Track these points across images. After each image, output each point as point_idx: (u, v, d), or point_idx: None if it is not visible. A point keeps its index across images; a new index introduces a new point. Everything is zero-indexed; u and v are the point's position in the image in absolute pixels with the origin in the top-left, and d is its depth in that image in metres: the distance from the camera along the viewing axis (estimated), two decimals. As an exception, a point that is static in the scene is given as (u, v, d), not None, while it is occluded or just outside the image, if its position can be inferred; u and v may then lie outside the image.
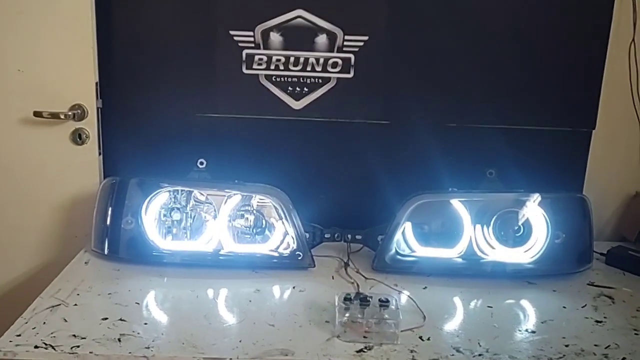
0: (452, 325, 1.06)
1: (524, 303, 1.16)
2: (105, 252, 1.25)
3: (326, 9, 1.34)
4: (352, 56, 1.37)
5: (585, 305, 1.14)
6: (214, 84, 1.39)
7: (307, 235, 1.27)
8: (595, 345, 0.99)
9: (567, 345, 0.98)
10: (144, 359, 0.91)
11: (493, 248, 1.25)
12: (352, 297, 1.04)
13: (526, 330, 1.05)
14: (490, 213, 1.25)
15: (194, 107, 1.40)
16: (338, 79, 1.39)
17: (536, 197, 1.24)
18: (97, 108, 1.37)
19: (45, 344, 0.93)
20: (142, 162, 1.40)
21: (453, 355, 0.95)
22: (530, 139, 1.42)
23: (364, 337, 0.97)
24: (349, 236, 1.29)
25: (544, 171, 1.39)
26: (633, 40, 1.37)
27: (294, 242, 1.24)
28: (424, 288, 1.19)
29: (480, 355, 0.95)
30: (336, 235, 1.30)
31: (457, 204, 1.25)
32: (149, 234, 1.24)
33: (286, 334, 0.99)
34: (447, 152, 1.40)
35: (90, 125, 1.36)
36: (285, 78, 1.39)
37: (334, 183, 1.45)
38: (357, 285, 1.18)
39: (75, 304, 1.07)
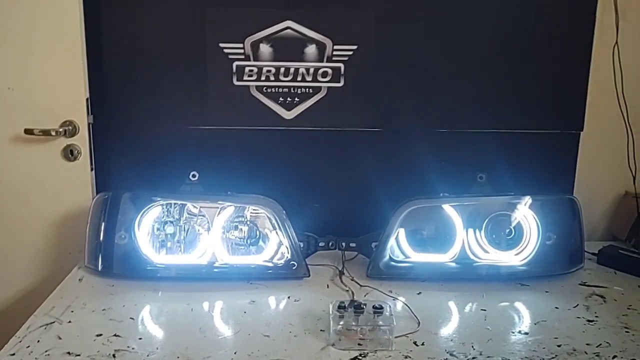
0: (446, 329, 1.09)
1: (517, 305, 1.19)
2: (99, 268, 1.27)
3: (315, 20, 1.38)
4: (341, 65, 1.41)
5: (577, 305, 1.17)
6: (205, 96, 1.42)
7: (302, 244, 1.29)
8: (587, 344, 1.02)
9: (559, 346, 1.01)
10: (140, 374, 0.93)
11: (486, 251, 1.28)
12: (346, 305, 1.06)
13: (519, 332, 1.07)
14: (482, 217, 1.29)
15: (186, 120, 1.43)
16: (328, 88, 1.42)
17: (527, 200, 1.28)
18: (88, 124, 1.39)
19: (41, 363, 0.94)
20: (134, 176, 1.42)
21: (447, 359, 0.97)
22: (520, 142, 1.46)
23: (359, 344, 1.00)
24: (343, 244, 1.32)
25: (534, 174, 1.43)
26: (616, 42, 1.42)
27: (288, 252, 1.27)
28: (418, 293, 1.22)
29: (474, 358, 0.97)
30: (330, 244, 1.32)
31: (449, 208, 1.28)
32: (142, 248, 1.26)
33: (281, 344, 1.01)
34: (438, 157, 1.44)
35: (82, 141, 1.39)
36: (276, 89, 1.42)
37: (328, 191, 1.48)
38: (352, 293, 1.20)
39: (70, 321, 1.08)
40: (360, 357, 0.97)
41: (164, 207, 1.29)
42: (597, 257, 1.37)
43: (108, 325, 1.07)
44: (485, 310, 1.15)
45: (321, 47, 1.39)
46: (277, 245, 1.28)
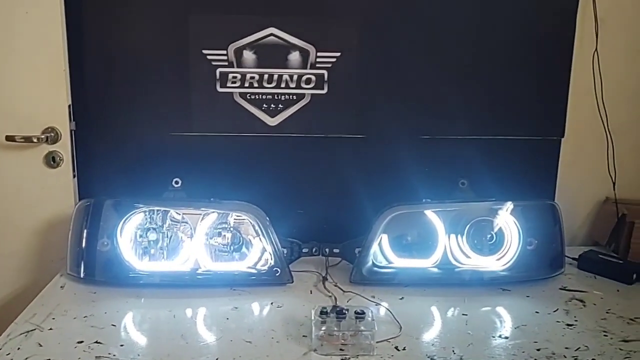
0: (428, 334, 1.11)
1: (498, 310, 1.22)
2: (82, 275, 1.28)
3: (298, 27, 1.40)
4: (325, 72, 1.43)
5: (557, 309, 1.20)
6: (189, 103, 1.44)
7: (285, 250, 1.31)
8: (566, 348, 1.05)
9: (538, 350, 1.04)
10: (120, 380, 0.94)
11: (467, 257, 1.31)
12: (328, 311, 1.08)
13: (499, 336, 1.10)
14: (464, 222, 1.32)
15: (169, 127, 1.45)
16: (312, 95, 1.45)
17: (508, 206, 1.31)
18: (71, 130, 1.40)
19: (20, 370, 0.95)
20: (117, 183, 1.43)
21: (427, 363, 1.00)
22: (502, 148, 1.49)
23: (341, 349, 1.02)
24: (327, 250, 1.35)
25: (516, 180, 1.46)
26: (596, 49, 1.46)
27: (271, 258, 1.29)
28: (400, 299, 1.24)
29: (453, 362, 1.00)
30: (314, 250, 1.34)
31: (431, 214, 1.31)
32: (125, 255, 1.28)
33: (263, 350, 1.03)
34: (421, 163, 1.47)
35: (64, 147, 1.40)
36: (260, 95, 1.44)
37: (312, 197, 1.50)
38: (335, 298, 1.22)
39: (51, 328, 1.09)
40: (341, 362, 0.99)
41: (147, 213, 1.30)
42: (577, 262, 1.41)
43: (89, 332, 1.08)
44: (466, 315, 1.18)
45: (305, 54, 1.42)
46: (260, 251, 1.30)
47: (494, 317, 1.19)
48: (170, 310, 1.18)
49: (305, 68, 1.42)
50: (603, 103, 1.47)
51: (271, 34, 1.40)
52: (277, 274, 1.28)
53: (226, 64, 1.41)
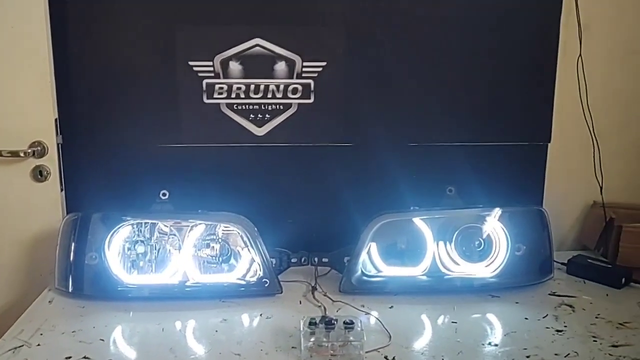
0: (418, 343, 1.11)
1: (488, 317, 1.22)
2: (70, 289, 1.27)
3: (283, 37, 1.41)
4: (311, 82, 1.44)
5: (547, 315, 1.20)
6: (175, 114, 1.44)
7: (274, 261, 1.31)
8: (556, 354, 1.05)
9: (528, 357, 1.04)
10: (107, 396, 0.94)
11: (456, 264, 1.31)
12: (317, 321, 1.08)
13: (489, 344, 1.10)
14: (452, 229, 1.32)
15: (156, 138, 1.45)
16: (299, 104, 1.45)
17: (496, 212, 1.32)
18: (58, 144, 1.40)
19: (7, 388, 0.95)
20: (105, 196, 1.43)
21: (416, 373, 1.00)
22: (489, 154, 1.50)
23: (330, 360, 1.02)
24: (316, 259, 1.34)
25: (504, 186, 1.46)
26: (580, 55, 1.47)
27: (260, 269, 1.29)
28: (390, 307, 1.24)
29: (443, 371, 1.00)
30: (303, 260, 1.35)
31: (419, 222, 1.31)
32: (113, 268, 1.27)
33: (252, 363, 1.03)
34: (408, 171, 1.47)
35: (51, 161, 1.40)
36: (247, 106, 1.44)
37: (301, 207, 1.50)
38: (324, 308, 1.22)
39: (39, 344, 1.08)
40: (330, 373, 0.99)
41: (135, 226, 1.30)
42: (566, 267, 1.41)
43: (77, 348, 1.08)
44: (456, 322, 1.18)
45: (291, 63, 1.42)
46: (249, 262, 1.30)
47: (483, 324, 1.19)
48: (159, 323, 1.18)
49: (292, 78, 1.43)
50: (588, 107, 1.49)
51: (257, 45, 1.41)
52: (266, 285, 1.28)
53: (212, 75, 1.42)
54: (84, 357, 1.03)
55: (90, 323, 1.17)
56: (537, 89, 1.49)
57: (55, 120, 1.39)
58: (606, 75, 1.51)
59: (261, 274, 1.28)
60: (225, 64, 1.41)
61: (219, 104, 1.44)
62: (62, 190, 1.43)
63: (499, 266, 1.30)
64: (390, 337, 1.10)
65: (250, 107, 1.44)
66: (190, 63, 1.41)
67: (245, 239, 1.28)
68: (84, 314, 1.21)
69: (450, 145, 1.48)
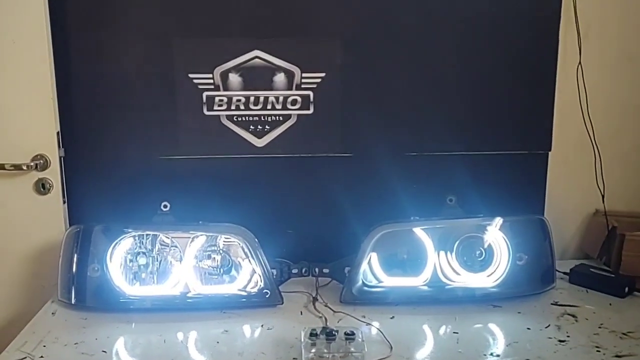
0: (419, 353, 1.11)
1: (490, 327, 1.22)
2: (72, 301, 1.29)
3: (282, 49, 1.43)
4: (310, 93, 1.45)
5: (549, 325, 1.20)
6: (176, 126, 1.45)
7: (274, 272, 1.32)
8: (557, 365, 1.05)
9: (529, 367, 1.05)
10: (109, 408, 0.95)
11: (457, 274, 1.32)
12: (318, 332, 1.09)
13: (491, 354, 1.10)
14: (453, 239, 1.33)
15: (156, 151, 1.46)
16: (298, 115, 1.47)
17: (497, 221, 1.32)
18: (60, 157, 1.42)
19: (10, 400, 0.96)
20: (107, 208, 1.44)
21: (417, 384, 1.00)
22: (489, 163, 1.51)
23: (330, 371, 1.02)
24: (317, 270, 1.35)
25: (504, 195, 1.47)
26: (580, 63, 1.48)
27: (261, 280, 1.30)
28: (391, 318, 1.25)
29: (443, 382, 1.00)
30: (304, 270, 1.35)
31: (419, 232, 1.32)
32: (115, 280, 1.29)
33: (253, 374, 1.03)
34: (408, 181, 1.48)
35: (54, 174, 1.42)
36: (247, 117, 1.46)
37: (301, 217, 1.51)
38: (325, 319, 1.23)
39: (42, 356, 1.10)
40: (330, 385, 1.00)
41: (136, 238, 1.32)
42: (569, 276, 1.41)
43: (80, 359, 1.09)
44: (457, 333, 1.18)
45: (290, 75, 1.44)
46: (250, 273, 1.31)
47: (485, 335, 1.19)
48: (161, 335, 1.19)
49: (291, 89, 1.44)
50: (589, 115, 1.49)
51: (256, 57, 1.43)
52: (267, 296, 1.29)
53: (212, 87, 1.43)
54: (86, 369, 1.06)
55: (92, 335, 1.19)
56: (536, 97, 1.49)
57: (57, 133, 1.41)
58: (607, 82, 1.51)
59: (262, 285, 1.29)
60: (225, 76, 1.43)
61: (219, 115, 1.45)
62: (64, 202, 1.44)
63: (500, 276, 1.30)
64: (391, 347, 1.10)
65: (250, 118, 1.46)
66: (190, 75, 1.43)
67: (246, 250, 1.29)
68: (87, 326, 1.22)
69: (450, 155, 1.49)
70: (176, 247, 1.32)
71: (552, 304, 1.30)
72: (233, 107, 1.45)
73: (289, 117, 1.46)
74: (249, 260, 1.30)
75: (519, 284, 1.30)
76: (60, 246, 1.32)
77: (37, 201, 1.42)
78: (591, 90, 1.48)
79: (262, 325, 1.22)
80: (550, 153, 1.52)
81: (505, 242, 1.31)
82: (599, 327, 1.19)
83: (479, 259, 1.32)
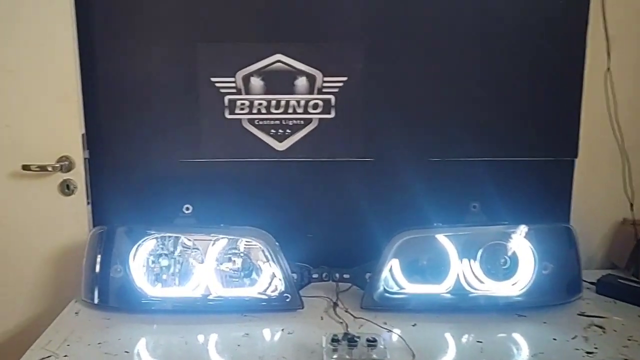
0: (442, 362, 1.11)
1: (514, 336, 1.21)
2: (95, 301, 1.31)
3: (304, 53, 1.44)
4: (332, 97, 1.46)
5: (576, 336, 1.18)
6: (198, 130, 1.47)
7: (295, 276, 1.32)
8: (585, 377, 1.04)
9: (556, 379, 1.03)
10: (132, 409, 0.96)
11: (481, 282, 1.31)
12: (339, 338, 1.09)
13: (515, 365, 1.09)
14: (476, 247, 1.31)
15: (179, 153, 1.48)
16: (320, 119, 1.47)
17: (522, 229, 1.30)
18: (84, 159, 1.45)
19: (36, 398, 0.98)
20: (130, 209, 1.47)
21: (440, 393, 0.99)
22: (514, 170, 1.49)
23: (352, 378, 1.02)
24: (337, 275, 1.35)
25: (529, 202, 1.45)
26: (608, 68, 1.46)
27: (281, 284, 1.30)
28: (413, 325, 1.24)
29: (467, 392, 0.99)
30: (324, 275, 1.35)
31: (442, 238, 1.31)
32: (137, 281, 1.30)
33: (273, 378, 1.04)
34: (431, 186, 1.47)
35: (78, 176, 1.44)
36: (268, 121, 1.47)
37: (321, 222, 1.52)
38: (346, 325, 1.23)
39: (66, 355, 1.12)
40: (352, 392, 1.00)
41: (159, 240, 1.34)
42: (595, 287, 1.38)
43: (103, 359, 1.10)
44: (481, 342, 1.17)
45: (311, 79, 1.45)
46: (270, 277, 1.31)
47: (509, 344, 1.18)
48: (182, 336, 1.20)
49: (312, 93, 1.45)
50: (617, 121, 1.47)
51: (278, 61, 1.44)
52: (288, 300, 1.29)
53: (234, 91, 1.45)
54: (109, 369, 1.07)
55: (115, 335, 1.21)
56: (563, 102, 1.47)
57: (82, 135, 1.44)
58: (636, 88, 1.48)
59: (282, 289, 1.30)
60: (247, 80, 1.44)
61: (240, 119, 1.47)
62: (88, 203, 1.47)
63: (525, 285, 1.29)
64: (413, 355, 1.10)
65: (272, 122, 1.47)
66: (213, 79, 1.44)
67: (267, 253, 1.30)
68: (110, 326, 1.25)
69: (474, 161, 1.48)
70: (198, 249, 1.34)
71: (578, 314, 1.28)
72: (254, 111, 1.46)
73: (310, 121, 1.47)
74: (270, 264, 1.30)
75: (544, 293, 1.29)
76: (84, 246, 1.35)
77: (61, 202, 1.45)
78: (620, 96, 1.46)
79: (282, 329, 1.23)
80: (576, 160, 1.50)
81: (531, 250, 1.29)
82: (628, 340, 1.16)
83: (503, 267, 1.30)
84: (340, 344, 1.08)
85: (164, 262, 1.33)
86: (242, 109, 1.46)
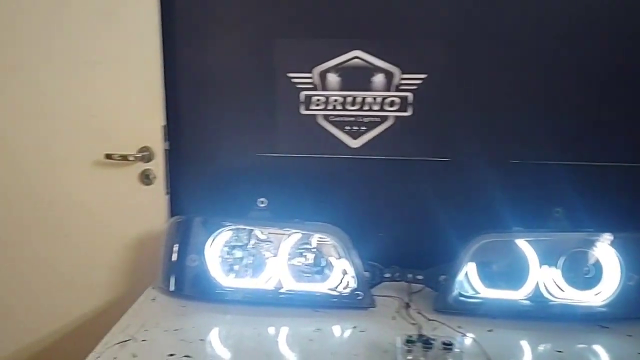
0: (520, 370, 1.09)
1: (596, 348, 1.17)
2: (171, 288, 1.37)
3: (383, 49, 1.43)
4: (410, 94, 1.45)
5: (665, 352, 1.14)
6: (274, 124, 1.50)
7: (367, 274, 1.33)
8: (677, 396, 0.99)
9: (644, 396, 0.99)
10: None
11: (562, 290, 1.27)
12: (414, 339, 1.09)
13: (599, 378, 1.06)
14: (558, 253, 1.27)
15: (255, 148, 1.52)
16: (396, 117, 1.47)
17: (607, 237, 1.26)
18: (164, 150, 1.51)
19: (117, 379, 1.03)
20: (206, 201, 1.52)
21: (522, 402, 0.98)
22: (600, 175, 1.43)
23: (428, 380, 1.02)
24: (410, 276, 1.34)
25: (616, 209, 1.38)
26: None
27: (353, 282, 1.31)
28: (489, 331, 1.22)
29: (550, 403, 0.97)
30: (396, 275, 1.35)
31: (523, 243, 1.28)
32: (212, 271, 1.35)
33: (349, 376, 1.05)
34: (510, 189, 1.44)
35: (158, 166, 1.51)
36: (343, 117, 1.48)
37: (393, 221, 1.51)
38: (419, 326, 1.22)
39: (144, 340, 1.18)
40: (429, 394, 0.99)
41: (233, 231, 1.37)
42: (686, 301, 1.32)
43: (179, 346, 1.16)
44: (561, 352, 1.14)
45: (389, 76, 1.44)
46: (342, 274, 1.33)
47: (591, 356, 1.14)
48: (255, 328, 1.23)
49: (389, 90, 1.45)
50: None
51: (356, 57, 1.44)
52: (359, 298, 1.30)
53: (311, 86, 1.47)
54: (186, 356, 1.11)
55: (190, 323, 1.25)
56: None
57: (163, 127, 1.50)
58: None
59: (354, 287, 1.31)
60: (323, 75, 1.46)
61: (315, 115, 1.48)
62: (167, 193, 1.53)
63: (609, 295, 1.24)
64: (490, 361, 1.09)
65: (347, 118, 1.47)
66: (289, 75, 1.47)
67: (339, 250, 1.31)
68: (185, 314, 1.30)
69: (558, 164, 1.42)
70: (271, 242, 1.37)
71: (668, 329, 1.23)
72: (330, 107, 1.47)
73: (386, 118, 1.47)
74: (343, 261, 1.31)
75: (629, 304, 1.24)
76: (162, 235, 1.41)
77: (141, 191, 1.52)
78: None
79: (354, 327, 1.24)
80: (667, 166, 1.44)
81: (617, 259, 1.24)
82: None
83: (586, 276, 1.26)
84: (415, 345, 1.07)
85: (238, 253, 1.37)
86: (317, 104, 1.47)
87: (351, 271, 1.31)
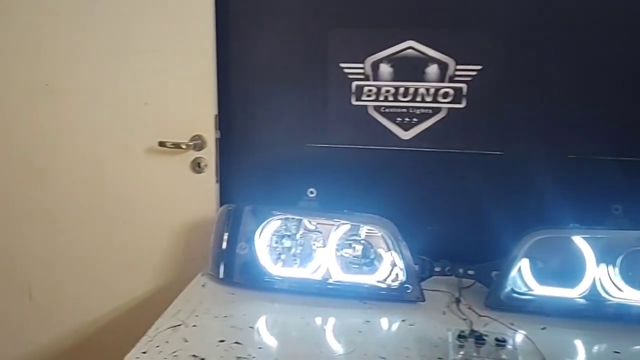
0: (576, 370, 1.08)
1: (657, 352, 1.15)
2: (221, 275, 1.40)
3: (438, 39, 1.42)
4: (464, 86, 1.43)
5: None
6: (324, 115, 1.52)
7: (417, 267, 1.33)
8: None
9: None
10: (263, 382, 1.02)
11: (619, 289, 1.24)
12: (466, 335, 1.09)
13: (661, 382, 1.04)
14: (617, 252, 1.25)
15: (305, 138, 1.54)
16: (449, 109, 1.46)
17: (670, 237, 1.22)
18: (216, 139, 1.54)
19: (168, 363, 1.06)
20: (256, 190, 1.56)
21: (579, 402, 0.97)
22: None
23: (481, 376, 1.02)
24: (461, 270, 1.34)
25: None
26: None
27: (402, 274, 1.32)
28: (542, 329, 1.21)
29: (609, 404, 0.96)
30: (447, 269, 1.35)
31: (579, 240, 1.26)
32: (261, 259, 1.38)
33: (400, 368, 1.06)
34: (567, 185, 1.41)
35: (209, 154, 1.54)
36: (394, 108, 1.48)
37: (443, 215, 1.51)
38: (471, 322, 1.22)
39: (194, 325, 1.21)
40: (482, 390, 0.99)
41: (283, 221, 1.40)
42: None
43: (229, 332, 1.18)
44: (618, 352, 1.11)
45: (443, 67, 1.43)
46: (391, 266, 1.33)
47: (651, 359, 1.12)
48: (303, 317, 1.25)
49: (443, 81, 1.44)
50: None
51: (410, 47, 1.44)
52: (408, 291, 1.30)
53: (362, 77, 1.47)
54: (236, 342, 1.14)
55: (240, 310, 1.28)
56: None
57: (215, 116, 1.53)
58: None
59: (403, 279, 1.31)
60: (375, 66, 1.46)
61: (366, 106, 1.49)
62: (217, 182, 1.57)
63: (672, 297, 1.21)
64: (544, 359, 1.07)
65: (398, 110, 1.47)
66: (341, 65, 1.47)
67: (389, 242, 1.32)
68: (234, 301, 1.33)
69: (617, 160, 1.39)
70: (319, 233, 1.38)
71: None
72: (381, 98, 1.48)
73: (438, 110, 1.46)
74: (391, 253, 1.32)
75: (693, 308, 1.20)
76: (212, 222, 1.44)
77: (192, 178, 1.56)
78: None
79: (403, 320, 1.24)
80: None
81: (681, 260, 1.21)
82: None
83: (647, 276, 1.24)
84: (467, 340, 1.07)
85: (287, 242, 1.39)
86: (368, 95, 1.48)
87: (400, 264, 1.31)
